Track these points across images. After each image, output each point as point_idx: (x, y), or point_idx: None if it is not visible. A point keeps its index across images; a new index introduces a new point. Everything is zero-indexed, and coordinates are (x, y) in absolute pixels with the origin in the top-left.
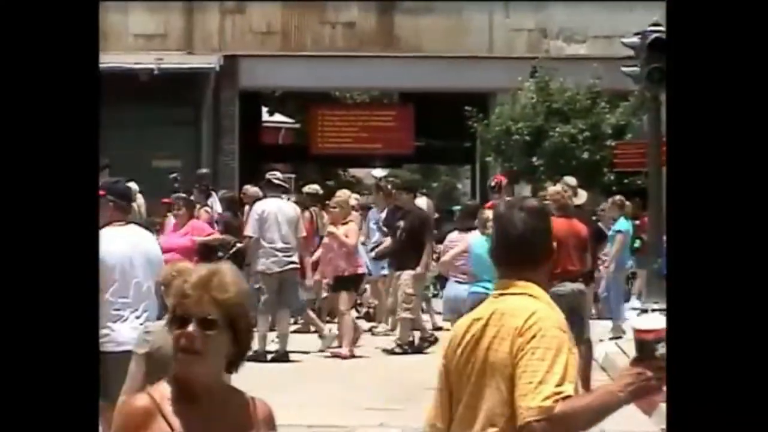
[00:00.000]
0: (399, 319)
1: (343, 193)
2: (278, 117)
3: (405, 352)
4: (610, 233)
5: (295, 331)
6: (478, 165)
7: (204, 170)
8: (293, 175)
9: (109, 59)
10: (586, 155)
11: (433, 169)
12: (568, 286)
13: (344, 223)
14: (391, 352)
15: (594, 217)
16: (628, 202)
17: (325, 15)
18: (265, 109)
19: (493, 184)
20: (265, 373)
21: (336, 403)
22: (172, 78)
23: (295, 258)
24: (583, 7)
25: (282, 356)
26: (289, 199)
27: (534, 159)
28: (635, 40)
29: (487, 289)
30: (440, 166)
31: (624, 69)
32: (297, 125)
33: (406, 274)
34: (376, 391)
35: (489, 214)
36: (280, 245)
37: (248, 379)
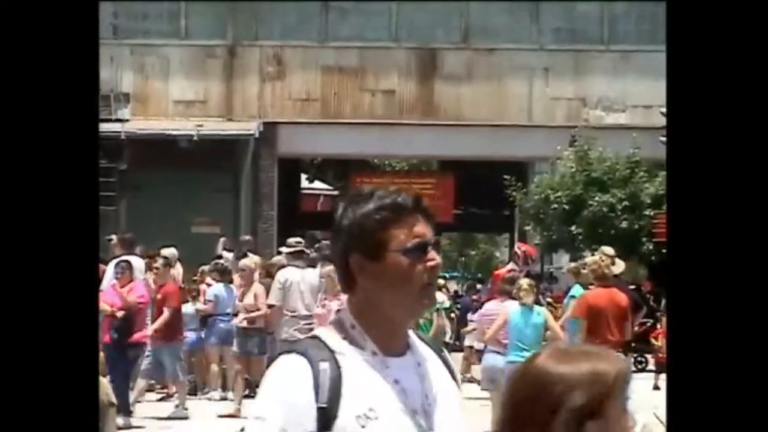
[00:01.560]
0: None
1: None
2: (317, 184)
3: None
4: (567, 299)
5: None
6: (517, 233)
7: (247, 237)
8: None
9: (149, 125)
10: (624, 224)
11: (471, 237)
12: None
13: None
14: None
15: (632, 286)
16: (584, 270)
17: (364, 83)
18: (304, 176)
19: (519, 253)
20: None
21: None
22: (212, 144)
23: (315, 326)
24: (622, 77)
25: None
26: (323, 266)
27: (572, 228)
28: None
29: (526, 358)
30: (479, 234)
31: (663, 138)
32: (336, 192)
33: None
34: None
35: (526, 282)
36: (303, 313)
37: None
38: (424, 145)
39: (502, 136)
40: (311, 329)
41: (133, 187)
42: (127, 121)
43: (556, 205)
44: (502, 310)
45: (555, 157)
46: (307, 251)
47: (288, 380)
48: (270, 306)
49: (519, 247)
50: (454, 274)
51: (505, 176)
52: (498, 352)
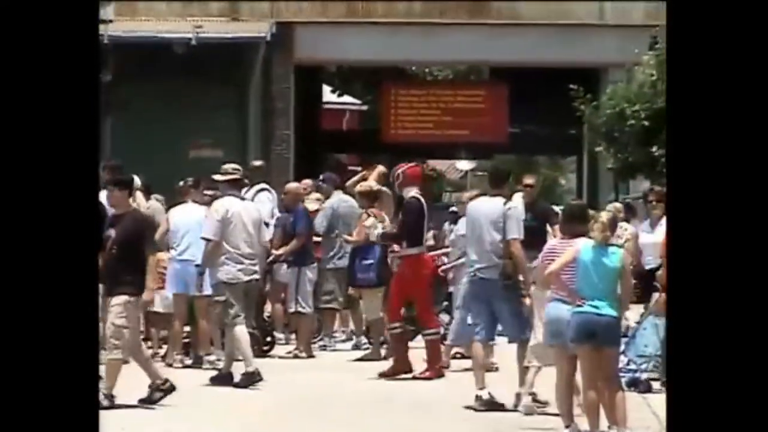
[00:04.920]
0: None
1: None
2: (342, 97)
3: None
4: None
5: None
6: (586, 156)
7: (258, 163)
8: (359, 168)
9: (139, 27)
10: None
11: (530, 161)
12: None
13: None
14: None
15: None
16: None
17: None
18: (326, 88)
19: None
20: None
21: None
22: (214, 50)
23: (258, 267)
24: None
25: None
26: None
27: (654, 149)
28: None
29: (597, 308)
30: (539, 157)
31: None
32: (365, 107)
33: (119, 299)
34: None
35: (606, 216)
36: (246, 251)
37: None
38: (473, 49)
39: (567, 37)
40: (254, 270)
41: (119, 103)
42: (110, 22)
43: (633, 121)
44: (570, 248)
45: (632, 63)
46: (245, 180)
47: None
48: (206, 240)
49: (399, 169)
50: None
51: (571, 86)
52: (563, 301)
